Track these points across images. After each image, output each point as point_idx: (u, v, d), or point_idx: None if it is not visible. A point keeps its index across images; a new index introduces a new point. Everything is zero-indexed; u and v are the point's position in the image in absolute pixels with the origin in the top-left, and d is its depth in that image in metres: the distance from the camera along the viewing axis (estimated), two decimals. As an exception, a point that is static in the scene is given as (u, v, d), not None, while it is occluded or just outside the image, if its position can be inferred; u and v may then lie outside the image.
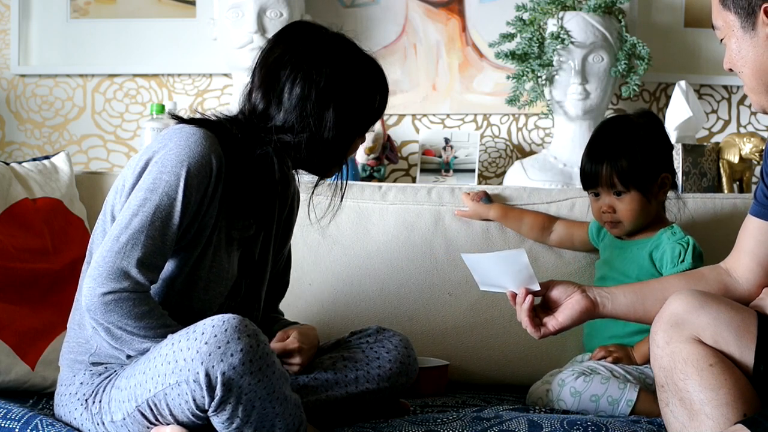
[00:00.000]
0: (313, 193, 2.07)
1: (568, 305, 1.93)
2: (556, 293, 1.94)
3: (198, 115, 1.98)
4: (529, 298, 1.92)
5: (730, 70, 1.87)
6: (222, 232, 1.96)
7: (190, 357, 1.72)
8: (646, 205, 2.33)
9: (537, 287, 1.92)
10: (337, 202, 2.06)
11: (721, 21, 1.85)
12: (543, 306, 1.96)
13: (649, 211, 2.34)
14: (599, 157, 2.33)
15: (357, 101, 1.96)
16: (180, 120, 1.97)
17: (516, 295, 1.93)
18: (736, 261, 1.98)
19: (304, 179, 2.16)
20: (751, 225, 1.96)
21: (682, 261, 2.28)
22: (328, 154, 1.96)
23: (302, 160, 1.97)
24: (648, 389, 2.17)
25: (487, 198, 2.59)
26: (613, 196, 2.33)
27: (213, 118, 1.98)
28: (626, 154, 2.30)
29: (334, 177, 2.06)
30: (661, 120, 2.43)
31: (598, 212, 2.37)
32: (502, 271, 1.92)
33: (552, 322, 1.93)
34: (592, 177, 2.34)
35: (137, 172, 1.91)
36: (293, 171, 2.06)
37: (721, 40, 1.86)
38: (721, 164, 2.96)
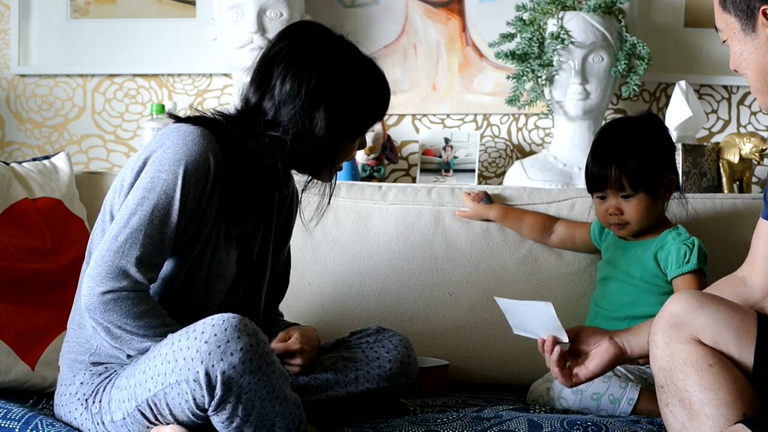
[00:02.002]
0: (302, 191, 2.06)
1: (598, 353, 1.95)
2: (584, 341, 1.96)
3: (196, 113, 1.98)
4: (557, 349, 1.93)
5: (736, 71, 1.86)
6: (220, 230, 1.96)
7: (190, 356, 1.72)
8: (653, 206, 2.33)
9: (565, 339, 1.94)
10: (324, 204, 2.06)
11: (722, 23, 1.84)
12: (571, 352, 1.97)
13: (655, 212, 2.34)
14: (607, 159, 2.31)
15: (351, 104, 1.95)
16: (177, 119, 1.97)
17: (544, 341, 1.95)
18: (752, 267, 1.98)
19: (302, 180, 2.16)
20: (763, 229, 1.96)
21: (687, 262, 2.28)
22: (317, 154, 1.96)
23: (290, 157, 1.96)
24: (649, 389, 2.17)
25: (488, 198, 2.59)
26: (620, 199, 2.31)
27: (210, 116, 1.98)
28: (634, 156, 2.29)
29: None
30: (663, 121, 2.43)
31: (603, 214, 2.36)
32: (531, 318, 1.96)
33: (583, 372, 1.95)
34: (599, 179, 2.32)
35: (135, 171, 1.91)
36: (290, 171, 2.05)
37: (724, 41, 1.86)
38: (721, 164, 2.96)
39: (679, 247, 2.30)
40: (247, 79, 2.00)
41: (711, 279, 2.29)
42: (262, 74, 1.94)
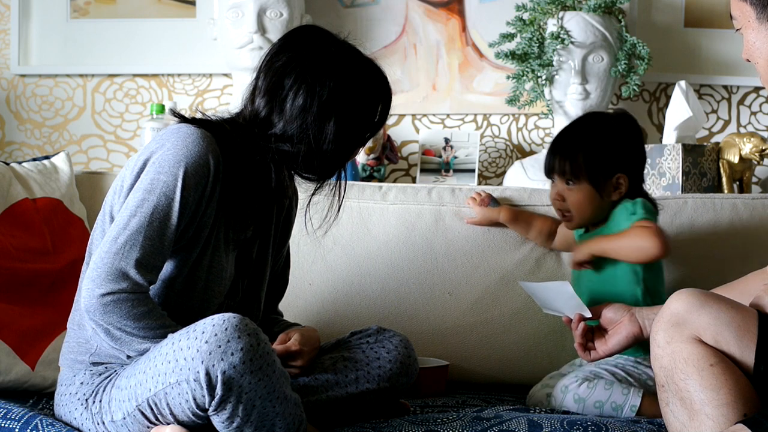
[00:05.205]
0: (309, 203, 2.04)
1: (617, 331, 2.04)
2: (608, 315, 2.06)
3: (198, 115, 1.98)
4: (582, 325, 2.05)
5: (748, 60, 1.87)
6: (220, 232, 1.96)
7: (191, 356, 1.72)
8: (594, 199, 2.31)
9: (588, 314, 2.06)
10: (333, 214, 2.04)
11: (737, 11, 1.84)
12: (597, 328, 2.07)
13: (599, 208, 2.32)
14: (559, 145, 2.35)
15: (359, 115, 1.94)
16: (180, 118, 1.97)
17: (570, 320, 2.08)
18: None
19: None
20: None
21: (634, 213, 2.28)
22: (326, 164, 1.95)
23: (299, 169, 1.96)
24: (650, 391, 2.17)
25: (494, 201, 2.59)
26: (564, 185, 2.33)
27: (213, 118, 1.97)
28: (584, 145, 2.30)
29: (333, 178, 2.05)
30: (636, 124, 2.39)
31: (552, 200, 2.38)
32: (553, 298, 2.09)
33: (602, 348, 2.05)
34: (549, 163, 2.35)
35: (135, 173, 1.91)
36: (292, 173, 2.05)
37: (738, 30, 1.86)
38: (721, 164, 2.96)
39: (624, 207, 2.30)
40: (253, 85, 1.97)
41: (710, 279, 2.29)
42: (273, 86, 1.92)
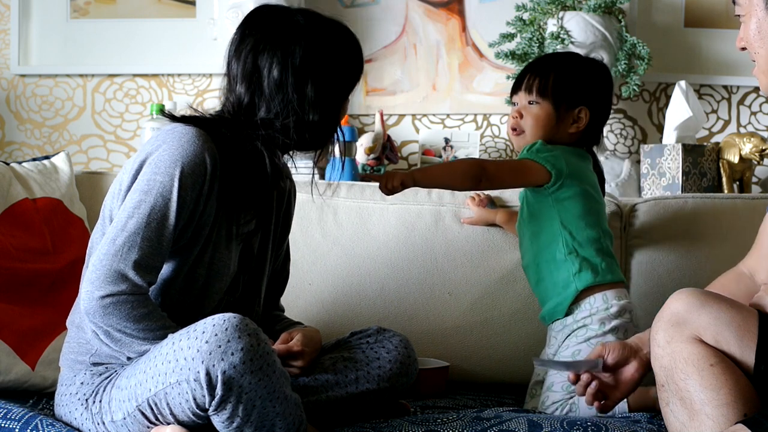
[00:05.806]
0: (313, 175, 2.07)
1: (628, 375, 1.95)
2: (611, 359, 1.95)
3: (190, 112, 1.98)
4: (594, 383, 1.93)
5: (743, 48, 1.87)
6: (222, 229, 1.96)
7: (191, 356, 1.72)
8: (551, 123, 2.31)
9: (600, 367, 1.94)
10: (337, 174, 2.07)
11: None
12: (604, 369, 1.97)
13: (552, 133, 2.32)
14: (534, 64, 2.38)
15: (333, 71, 1.96)
16: (172, 118, 1.97)
17: (577, 377, 1.95)
18: (756, 261, 1.98)
19: (305, 178, 2.15)
20: None
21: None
22: (318, 130, 1.97)
23: (296, 143, 1.97)
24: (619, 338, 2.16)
25: (492, 203, 2.59)
26: (526, 103, 2.34)
27: (207, 115, 1.98)
28: (558, 68, 2.33)
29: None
30: (609, 72, 2.42)
31: (510, 117, 2.38)
32: (570, 366, 1.97)
33: (615, 395, 1.95)
34: (518, 80, 2.37)
35: (132, 174, 1.91)
36: (290, 157, 2.05)
37: (738, 16, 1.86)
38: (721, 164, 2.96)
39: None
40: (227, 77, 1.98)
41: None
42: (248, 69, 1.94)
